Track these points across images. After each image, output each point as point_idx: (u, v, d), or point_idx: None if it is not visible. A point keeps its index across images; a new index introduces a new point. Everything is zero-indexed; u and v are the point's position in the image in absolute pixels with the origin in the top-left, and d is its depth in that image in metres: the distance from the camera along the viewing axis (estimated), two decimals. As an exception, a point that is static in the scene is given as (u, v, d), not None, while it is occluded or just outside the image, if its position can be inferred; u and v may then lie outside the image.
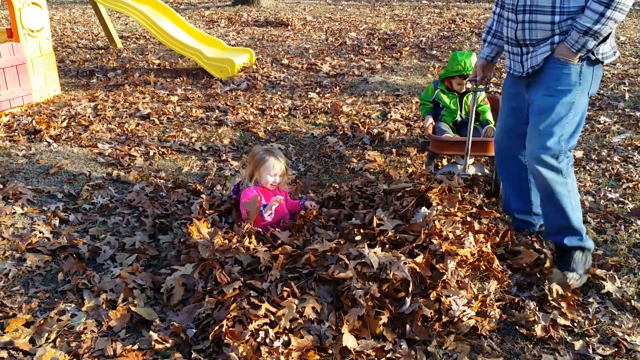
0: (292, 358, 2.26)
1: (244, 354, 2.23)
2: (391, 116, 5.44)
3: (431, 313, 2.46)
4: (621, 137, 4.79)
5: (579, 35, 2.48)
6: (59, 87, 6.19)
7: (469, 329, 2.47)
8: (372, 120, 5.35)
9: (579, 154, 4.46)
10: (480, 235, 2.82)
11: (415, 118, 5.44)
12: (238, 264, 2.70)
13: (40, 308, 2.66)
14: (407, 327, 2.45)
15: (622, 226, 3.38)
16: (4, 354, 2.32)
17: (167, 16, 7.70)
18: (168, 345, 2.37)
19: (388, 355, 2.33)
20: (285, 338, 2.32)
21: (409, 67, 7.25)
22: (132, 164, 4.36)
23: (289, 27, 10.17)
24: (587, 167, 4.23)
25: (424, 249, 2.68)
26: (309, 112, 5.63)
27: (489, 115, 4.10)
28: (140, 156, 4.52)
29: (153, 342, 2.36)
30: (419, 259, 2.58)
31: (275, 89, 6.41)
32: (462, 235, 2.75)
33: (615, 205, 3.64)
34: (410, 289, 2.50)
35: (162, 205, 3.64)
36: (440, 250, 2.62)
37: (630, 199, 3.74)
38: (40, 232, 3.27)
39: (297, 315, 2.40)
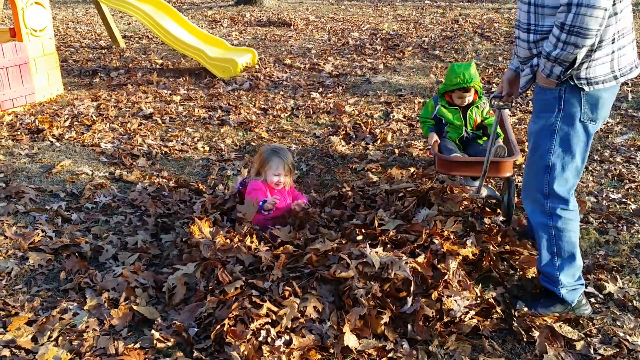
0: (294, 357, 2.26)
1: (246, 353, 2.23)
2: (393, 116, 5.44)
3: (433, 313, 2.46)
4: (624, 138, 4.78)
5: (545, 60, 2.28)
6: (61, 86, 6.20)
7: (471, 328, 2.47)
8: (375, 121, 5.35)
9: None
10: (482, 235, 2.82)
11: (417, 118, 5.43)
12: (240, 263, 2.70)
13: (43, 307, 2.67)
14: (409, 326, 2.45)
15: (625, 227, 3.37)
16: (6, 352, 2.33)
17: (170, 16, 7.71)
18: (170, 344, 2.38)
19: (389, 355, 2.33)
20: (287, 337, 2.32)
21: (412, 67, 7.24)
22: (134, 163, 4.37)
23: (292, 27, 10.18)
24: (590, 168, 4.23)
25: (425, 248, 2.69)
26: (311, 112, 5.63)
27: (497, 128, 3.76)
28: (143, 155, 4.53)
29: (155, 341, 2.37)
30: (420, 258, 2.58)
31: (278, 89, 6.42)
32: (463, 235, 2.75)
33: (618, 206, 3.64)
34: (411, 288, 2.50)
35: (164, 204, 3.65)
36: (442, 250, 2.62)
37: (632, 199, 3.73)
38: (42, 231, 3.28)
39: (299, 315, 2.41)
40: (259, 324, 2.34)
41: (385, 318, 2.43)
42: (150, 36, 9.38)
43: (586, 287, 2.74)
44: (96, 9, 8.39)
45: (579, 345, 2.41)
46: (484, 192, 3.26)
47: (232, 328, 2.32)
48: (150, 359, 2.32)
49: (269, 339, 2.30)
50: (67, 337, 2.43)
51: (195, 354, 2.32)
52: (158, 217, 3.48)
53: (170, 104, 5.81)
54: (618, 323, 2.57)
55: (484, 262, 2.76)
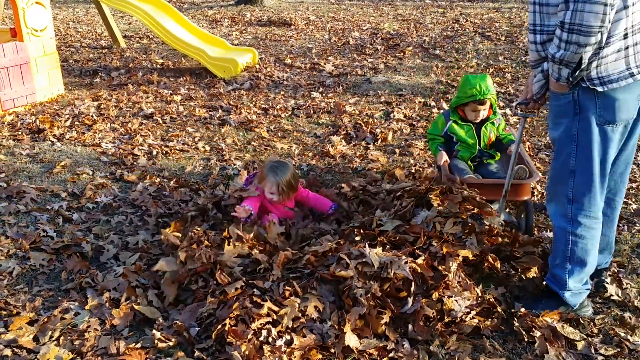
0: (295, 357, 2.26)
1: (247, 352, 2.23)
2: (394, 116, 5.44)
3: (433, 313, 2.46)
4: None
5: (551, 63, 2.21)
6: (62, 86, 6.20)
7: (472, 328, 2.47)
8: (375, 120, 5.35)
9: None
10: (482, 237, 2.79)
11: (417, 118, 5.44)
12: (241, 265, 2.70)
13: (44, 306, 2.67)
14: (410, 326, 2.45)
15: (626, 227, 3.37)
16: (8, 351, 2.33)
17: (171, 16, 7.72)
18: (171, 343, 2.38)
19: (390, 355, 2.33)
20: (288, 337, 2.32)
21: (412, 67, 7.24)
22: (135, 163, 4.37)
23: (292, 27, 10.18)
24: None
25: (424, 250, 2.68)
26: (312, 111, 5.63)
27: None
28: (144, 155, 4.53)
29: (156, 341, 2.37)
30: (420, 260, 2.58)
31: (278, 89, 6.42)
32: (463, 237, 2.74)
33: (619, 206, 3.64)
34: (412, 289, 2.50)
35: (165, 204, 3.65)
36: (441, 252, 2.61)
37: (633, 199, 3.73)
38: (43, 231, 3.29)
39: (300, 315, 2.41)
40: (260, 324, 2.34)
41: (386, 318, 2.43)
42: (150, 36, 9.38)
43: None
44: (97, 8, 8.39)
45: (580, 345, 2.41)
46: (501, 217, 2.98)
47: (233, 328, 2.32)
48: (152, 358, 2.32)
49: (270, 339, 2.30)
50: (69, 337, 2.43)
51: (197, 353, 2.32)
52: (159, 217, 3.48)
53: (170, 104, 5.81)
54: (619, 323, 2.57)
55: (485, 264, 2.74)
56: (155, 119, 5.36)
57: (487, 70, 6.96)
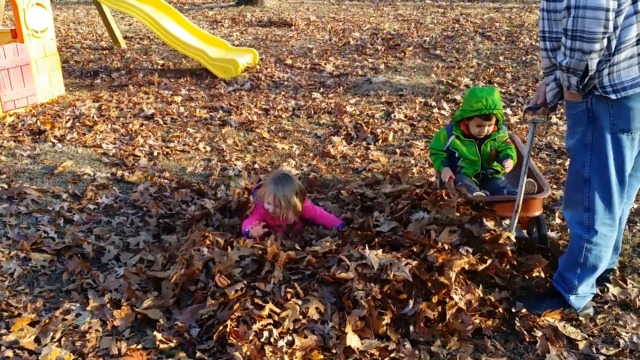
0: (296, 357, 2.26)
1: (248, 353, 2.23)
2: (395, 116, 5.44)
3: (434, 315, 2.46)
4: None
5: (560, 71, 2.19)
6: (63, 87, 6.21)
7: (473, 329, 2.47)
8: (376, 120, 5.35)
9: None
10: (480, 242, 2.73)
11: (418, 118, 5.44)
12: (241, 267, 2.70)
13: (45, 307, 2.67)
14: (411, 327, 2.45)
15: (627, 226, 3.37)
16: (10, 353, 2.33)
17: (171, 16, 7.72)
18: (172, 344, 2.38)
19: (392, 355, 2.33)
20: (289, 338, 2.32)
21: (413, 67, 7.24)
22: (136, 164, 4.37)
23: (293, 27, 10.18)
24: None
25: (419, 257, 2.65)
26: (312, 112, 5.63)
27: (514, 155, 3.32)
28: (145, 156, 4.53)
29: (157, 342, 2.37)
30: (415, 262, 2.56)
31: (279, 89, 6.42)
32: (459, 244, 2.68)
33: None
34: (413, 291, 2.50)
35: (166, 205, 3.65)
36: (437, 263, 2.56)
37: (635, 199, 3.72)
38: (45, 232, 3.29)
39: (301, 317, 2.41)
40: (262, 325, 2.34)
41: (387, 319, 2.43)
42: (151, 37, 9.39)
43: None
44: (97, 9, 8.40)
45: (582, 345, 2.41)
46: (513, 235, 2.82)
47: (235, 329, 2.32)
48: (153, 359, 2.33)
49: (272, 340, 2.31)
50: (70, 338, 2.43)
51: (198, 354, 2.32)
52: (160, 218, 3.49)
53: (171, 105, 5.82)
54: (620, 323, 2.57)
55: (486, 268, 2.70)
56: (156, 120, 5.36)
57: (488, 70, 6.95)
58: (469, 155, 3.31)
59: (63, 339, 2.43)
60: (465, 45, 8.32)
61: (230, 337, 2.30)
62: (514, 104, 5.78)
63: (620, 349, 2.40)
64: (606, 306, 2.68)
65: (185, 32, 7.61)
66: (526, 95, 6.00)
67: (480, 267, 2.64)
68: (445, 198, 2.85)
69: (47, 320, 2.51)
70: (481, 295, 2.59)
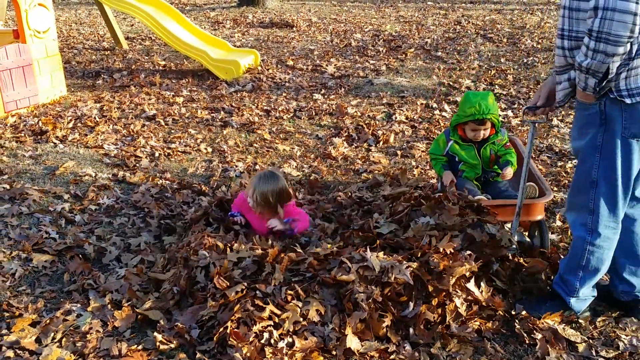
0: (296, 359, 2.27)
1: (248, 354, 2.24)
2: (396, 118, 5.45)
3: (434, 317, 2.46)
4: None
5: (578, 72, 2.16)
6: (65, 88, 6.22)
7: (473, 331, 2.47)
8: (377, 122, 5.35)
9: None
10: (481, 247, 2.72)
11: (419, 119, 5.44)
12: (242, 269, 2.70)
13: (46, 308, 2.68)
14: (411, 330, 2.45)
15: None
16: (11, 353, 2.34)
17: (173, 17, 7.73)
18: (172, 345, 2.39)
19: (392, 357, 2.34)
20: (290, 339, 2.33)
21: (414, 69, 7.25)
22: (137, 165, 4.38)
23: (294, 29, 10.19)
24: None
25: (420, 261, 2.65)
26: (313, 113, 5.64)
27: (514, 160, 3.31)
28: (146, 157, 4.54)
29: (158, 343, 2.38)
30: (415, 265, 2.56)
31: (280, 90, 6.43)
32: (461, 250, 2.67)
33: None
34: (413, 293, 2.51)
35: (167, 206, 3.66)
36: (438, 269, 2.57)
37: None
38: (46, 233, 3.30)
39: (301, 318, 2.41)
40: (262, 326, 2.34)
41: (387, 321, 2.43)
42: (153, 38, 9.40)
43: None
44: (99, 10, 8.42)
45: (581, 347, 2.42)
46: (515, 238, 2.85)
47: (235, 330, 2.33)
48: (154, 360, 2.34)
49: (272, 341, 2.31)
50: (71, 339, 2.44)
51: (198, 355, 2.33)
52: (161, 219, 3.49)
53: (173, 106, 5.83)
54: (620, 325, 2.57)
55: (485, 275, 2.70)
56: (157, 121, 5.37)
57: (489, 72, 6.96)
58: (468, 159, 3.32)
59: (64, 339, 2.44)
60: (466, 47, 8.33)
61: (231, 339, 2.30)
62: (515, 106, 5.78)
63: (619, 351, 2.40)
64: (605, 308, 2.68)
65: (187, 33, 7.62)
66: (527, 97, 6.00)
67: (482, 274, 2.64)
68: (446, 202, 2.85)
69: (48, 321, 2.52)
70: (481, 297, 2.59)
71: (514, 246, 2.79)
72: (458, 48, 8.27)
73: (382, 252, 2.65)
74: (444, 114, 5.56)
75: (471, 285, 2.57)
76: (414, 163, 4.45)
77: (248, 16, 11.64)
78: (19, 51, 5.43)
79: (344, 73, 7.08)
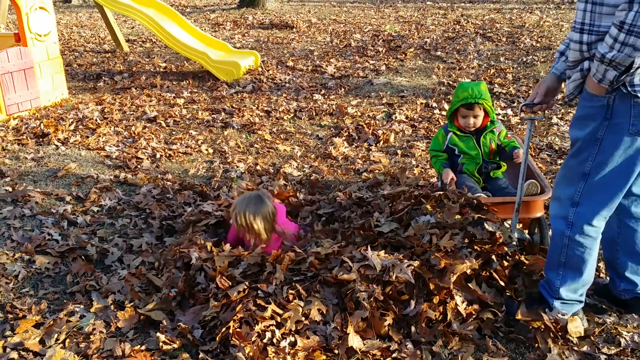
0: (299, 358, 2.28)
1: (251, 354, 2.25)
2: (396, 117, 5.46)
3: (436, 315, 2.47)
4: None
5: (598, 63, 2.10)
6: (66, 90, 6.24)
7: (474, 329, 2.48)
8: (377, 122, 5.37)
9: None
10: (483, 245, 2.72)
11: (419, 119, 5.45)
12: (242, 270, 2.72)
13: (50, 309, 2.70)
14: (412, 328, 2.46)
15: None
16: (15, 354, 2.36)
17: (173, 19, 7.75)
18: (175, 345, 2.40)
19: (394, 355, 2.35)
20: (292, 339, 2.34)
21: (414, 69, 7.26)
22: (139, 166, 4.40)
23: (294, 30, 10.20)
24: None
25: (421, 259, 2.66)
26: (314, 113, 5.65)
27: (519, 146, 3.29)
28: (147, 158, 4.56)
29: (161, 343, 2.39)
30: (416, 263, 2.57)
31: (281, 91, 6.44)
32: (462, 248, 2.68)
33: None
34: (414, 291, 2.52)
35: (168, 207, 3.68)
36: (439, 267, 2.57)
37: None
38: (49, 234, 3.31)
39: (303, 318, 2.42)
40: (264, 326, 2.35)
41: (389, 320, 2.44)
42: (153, 40, 9.42)
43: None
44: (100, 13, 8.44)
45: (583, 344, 2.42)
46: (515, 235, 2.84)
47: (237, 330, 2.34)
48: (157, 360, 2.35)
49: (274, 340, 2.32)
50: (74, 340, 2.45)
51: (201, 355, 2.34)
52: (163, 220, 3.51)
53: (174, 107, 5.84)
54: (622, 322, 2.58)
55: (485, 273, 2.71)
56: (158, 122, 5.39)
57: (489, 71, 6.97)
58: (468, 150, 3.32)
59: (67, 340, 2.45)
60: (466, 46, 8.34)
61: (233, 338, 2.31)
62: (515, 104, 5.79)
63: (621, 348, 2.41)
64: (607, 305, 2.69)
65: (187, 34, 7.64)
66: (527, 96, 6.00)
67: (483, 272, 2.65)
68: (446, 201, 2.86)
69: (51, 322, 2.53)
70: (482, 295, 2.60)
71: (514, 243, 2.80)
72: (457, 47, 8.28)
73: (383, 250, 2.66)
74: (443, 113, 5.56)
75: (472, 283, 2.59)
76: (414, 162, 4.46)
77: (248, 17, 11.66)
78: (21, 54, 5.45)
79: (343, 73, 7.09)
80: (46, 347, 2.41)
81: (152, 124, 5.38)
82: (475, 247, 2.69)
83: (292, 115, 5.65)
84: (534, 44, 8.24)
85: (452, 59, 7.63)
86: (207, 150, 4.77)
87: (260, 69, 7.24)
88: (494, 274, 2.69)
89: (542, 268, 2.78)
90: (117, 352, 2.37)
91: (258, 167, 4.38)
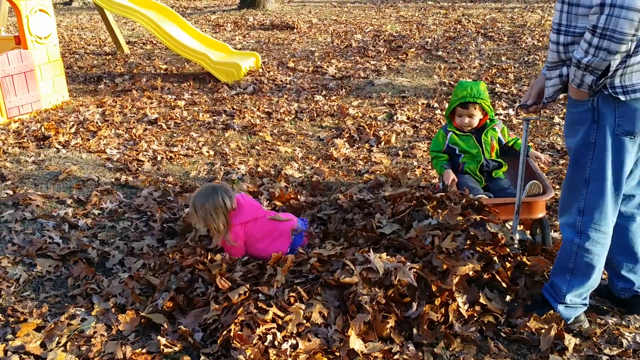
0: (300, 361, 2.28)
1: (252, 356, 2.24)
2: (397, 118, 5.45)
3: (437, 317, 2.46)
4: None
5: (575, 68, 2.10)
6: (67, 93, 6.24)
7: (476, 331, 2.47)
8: (378, 123, 5.36)
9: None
10: (484, 246, 2.71)
11: (421, 119, 5.44)
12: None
13: (51, 312, 2.69)
14: (414, 330, 2.46)
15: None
16: (16, 358, 2.35)
17: (173, 21, 7.76)
18: (177, 348, 2.40)
19: (395, 357, 2.34)
20: (293, 341, 2.33)
21: (415, 69, 7.25)
22: (140, 168, 4.40)
23: (295, 30, 10.20)
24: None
25: (423, 261, 2.66)
26: (315, 114, 5.64)
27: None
28: (148, 161, 4.56)
29: (162, 346, 2.39)
30: (417, 266, 2.56)
31: (282, 92, 6.44)
32: (464, 249, 2.66)
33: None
34: (416, 293, 2.51)
35: (170, 209, 3.67)
36: (441, 268, 2.56)
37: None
38: (50, 238, 3.31)
39: (304, 320, 2.42)
40: (265, 329, 2.35)
41: (391, 322, 2.43)
42: (154, 41, 9.43)
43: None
44: (100, 15, 8.45)
45: (585, 345, 2.41)
46: (517, 236, 2.84)
47: (239, 333, 2.33)
48: (158, 363, 2.34)
49: (276, 343, 2.32)
50: (76, 343, 2.45)
51: (202, 358, 2.33)
52: (164, 222, 3.50)
53: (174, 109, 5.84)
54: (624, 323, 2.57)
55: (487, 275, 2.69)
56: (159, 125, 5.38)
57: (490, 70, 6.95)
58: (468, 149, 3.31)
59: (68, 343, 2.45)
60: (467, 46, 8.32)
61: (234, 341, 2.31)
62: (517, 104, 5.77)
63: (623, 349, 2.40)
64: (609, 306, 2.68)
65: (188, 36, 7.64)
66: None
67: (485, 274, 2.64)
68: (447, 202, 2.85)
69: (52, 325, 2.53)
70: (483, 297, 2.59)
71: (515, 246, 2.79)
72: (459, 47, 8.27)
73: (385, 252, 2.65)
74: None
75: (473, 286, 2.58)
76: (415, 163, 4.45)
77: (249, 19, 11.66)
78: (21, 57, 5.45)
79: (344, 74, 7.09)
80: (47, 350, 2.41)
81: (153, 126, 5.38)
82: (477, 248, 2.69)
83: (293, 116, 5.65)
84: (536, 43, 8.22)
85: (453, 58, 7.62)
86: (208, 152, 4.76)
87: (261, 70, 7.24)
88: (496, 276, 2.68)
89: (544, 269, 2.77)
90: (118, 355, 2.36)
91: (259, 169, 4.38)
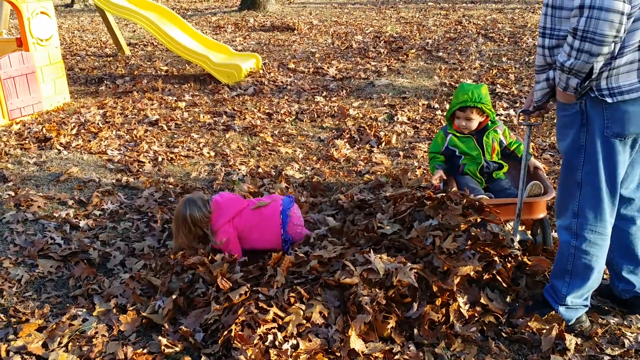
0: (301, 361, 2.28)
1: (253, 357, 2.25)
2: (398, 119, 5.46)
3: (438, 317, 2.46)
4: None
5: (559, 72, 2.11)
6: (68, 94, 6.26)
7: (477, 331, 2.47)
8: (379, 123, 5.36)
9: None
10: (485, 247, 2.71)
11: (421, 120, 5.45)
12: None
13: (52, 313, 2.70)
14: (415, 330, 2.46)
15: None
16: (18, 358, 2.36)
17: (174, 23, 7.77)
18: (177, 349, 2.40)
19: (396, 357, 2.34)
20: (294, 341, 2.34)
21: (415, 70, 7.25)
22: (141, 170, 4.40)
23: (295, 32, 10.21)
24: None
25: (425, 260, 2.66)
26: (315, 115, 5.65)
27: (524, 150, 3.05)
28: (149, 162, 4.56)
29: (163, 347, 2.39)
30: (418, 266, 2.56)
31: (282, 93, 6.45)
32: (465, 249, 2.67)
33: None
34: (417, 294, 2.51)
35: (170, 210, 3.68)
36: (442, 269, 2.57)
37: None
38: (51, 239, 3.32)
39: (305, 320, 2.42)
40: (266, 329, 2.35)
41: (392, 322, 2.43)
42: (155, 43, 9.44)
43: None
44: (101, 17, 8.47)
45: (586, 345, 2.41)
46: (517, 237, 2.83)
47: (239, 333, 2.34)
48: (159, 364, 2.35)
49: (276, 343, 2.32)
50: (77, 343, 2.46)
51: (203, 358, 2.34)
52: (165, 223, 3.51)
53: (175, 110, 5.85)
54: (625, 323, 2.57)
55: (488, 275, 2.69)
56: (160, 126, 5.39)
57: (491, 71, 6.96)
58: (469, 151, 3.30)
59: (70, 344, 2.45)
60: (467, 47, 8.33)
61: (235, 341, 2.31)
62: (517, 104, 5.77)
63: (625, 349, 2.40)
64: (610, 306, 2.68)
65: (189, 38, 7.65)
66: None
67: (485, 274, 2.64)
68: (448, 203, 2.85)
69: (54, 326, 2.53)
70: (484, 297, 2.59)
71: (516, 248, 2.78)
72: (459, 48, 8.27)
73: (386, 253, 2.65)
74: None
75: (474, 287, 2.58)
76: (416, 164, 4.45)
77: (249, 20, 11.67)
78: (22, 59, 5.47)
79: (345, 75, 7.09)
80: (49, 350, 2.41)
81: (153, 127, 5.39)
82: (478, 249, 2.69)
83: (293, 117, 5.65)
84: (537, 43, 8.22)
85: (453, 59, 7.62)
86: (208, 153, 4.77)
87: (261, 72, 7.25)
88: (497, 276, 2.69)
89: (545, 269, 2.78)
90: (119, 355, 2.37)
91: (260, 170, 4.38)
